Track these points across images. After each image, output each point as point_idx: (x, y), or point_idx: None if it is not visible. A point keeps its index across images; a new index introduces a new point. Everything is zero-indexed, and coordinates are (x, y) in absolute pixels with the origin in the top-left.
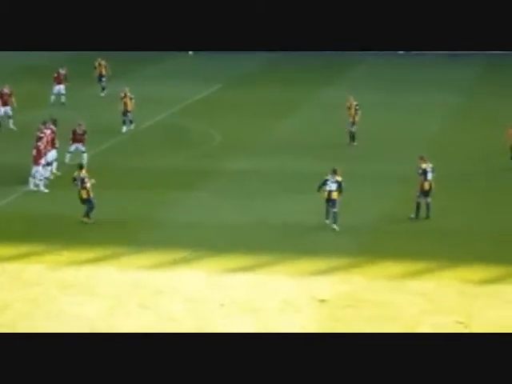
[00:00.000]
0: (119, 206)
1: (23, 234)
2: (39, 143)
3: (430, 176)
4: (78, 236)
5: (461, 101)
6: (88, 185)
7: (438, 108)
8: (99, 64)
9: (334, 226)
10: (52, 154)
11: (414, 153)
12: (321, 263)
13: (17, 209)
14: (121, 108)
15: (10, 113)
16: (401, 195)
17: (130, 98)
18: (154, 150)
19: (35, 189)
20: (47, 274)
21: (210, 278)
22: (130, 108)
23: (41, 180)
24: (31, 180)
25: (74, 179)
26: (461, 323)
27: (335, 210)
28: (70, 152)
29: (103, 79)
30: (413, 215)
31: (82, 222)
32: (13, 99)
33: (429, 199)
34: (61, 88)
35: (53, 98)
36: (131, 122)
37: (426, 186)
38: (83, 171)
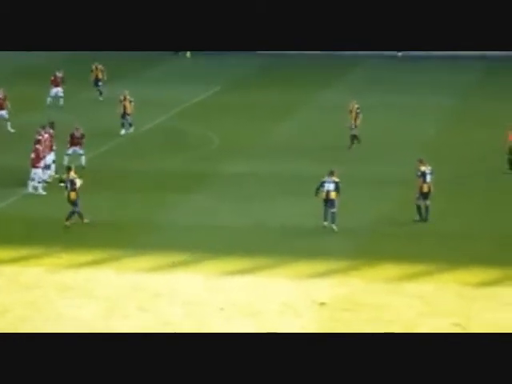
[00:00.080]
0: (118, 209)
1: (22, 236)
2: (38, 146)
3: (428, 178)
4: (76, 239)
5: (457, 103)
6: (77, 185)
7: (434, 111)
8: (96, 68)
9: (333, 226)
10: (50, 157)
11: (412, 155)
12: (319, 266)
13: (16, 211)
14: (120, 111)
15: (7, 116)
16: (399, 198)
17: (130, 101)
18: (152, 152)
19: (34, 192)
20: (46, 277)
21: (208, 280)
22: (129, 111)
23: (39, 183)
24: (30, 183)
25: (61, 181)
26: (458, 325)
27: (334, 210)
28: (68, 155)
29: (100, 83)
30: (416, 218)
31: (64, 225)
32: (7, 103)
33: (428, 202)
34: (58, 91)
35: (49, 100)
36: (130, 124)
37: (425, 188)
38: (72, 173)
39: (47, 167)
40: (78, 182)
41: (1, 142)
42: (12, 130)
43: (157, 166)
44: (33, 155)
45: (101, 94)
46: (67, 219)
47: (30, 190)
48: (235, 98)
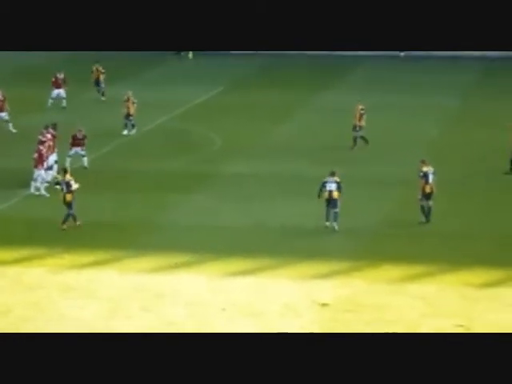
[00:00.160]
0: (120, 210)
1: (24, 237)
2: (41, 147)
3: (431, 179)
4: (78, 239)
5: (458, 104)
6: (73, 188)
7: (435, 111)
8: (96, 69)
9: (335, 226)
10: (52, 158)
11: (413, 155)
12: (321, 266)
13: (18, 213)
14: (124, 111)
15: (7, 118)
16: (400, 198)
17: (133, 102)
18: (154, 153)
19: (36, 193)
20: (48, 278)
21: (210, 281)
22: (132, 112)
23: (42, 184)
24: (33, 184)
25: (57, 183)
26: (461, 326)
27: (336, 210)
28: (69, 156)
29: (102, 85)
30: (422, 219)
31: (59, 228)
32: (6, 105)
33: (430, 202)
34: (60, 92)
35: (50, 101)
36: (133, 126)
37: (428, 189)
38: (68, 175)
39: (49, 168)
40: (74, 185)
41: (2, 143)
42: (14, 131)
43: (158, 166)
44: (36, 156)
45: (103, 94)
46: (63, 222)
47: (33, 190)
48: (237, 98)
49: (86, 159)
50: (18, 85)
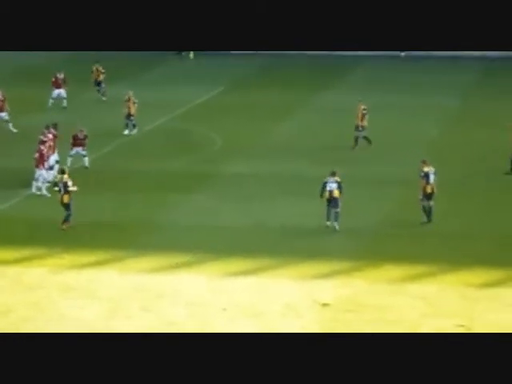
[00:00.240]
0: (120, 210)
1: (25, 237)
2: (42, 147)
3: (432, 179)
4: (79, 239)
5: (458, 104)
6: (71, 189)
7: (435, 111)
8: (96, 69)
9: (335, 225)
10: (53, 158)
11: (414, 155)
12: (322, 266)
13: (18, 213)
14: (125, 111)
15: (7, 118)
16: (401, 198)
17: (134, 102)
18: (155, 153)
19: (38, 192)
20: (49, 278)
21: (211, 281)
22: (133, 112)
23: (43, 184)
24: (34, 184)
25: (55, 184)
26: (462, 326)
27: (337, 209)
28: (70, 156)
29: (102, 85)
30: (424, 219)
31: (60, 228)
32: (6, 105)
33: (431, 202)
34: (61, 92)
35: (51, 101)
36: (134, 126)
37: (429, 189)
38: (65, 176)
39: (50, 168)
40: (72, 187)
41: (3, 143)
42: (14, 130)
43: (159, 166)
44: (37, 156)
45: (104, 94)
46: (63, 223)
47: (34, 190)
48: (237, 98)
49: (86, 159)
50: (19, 85)
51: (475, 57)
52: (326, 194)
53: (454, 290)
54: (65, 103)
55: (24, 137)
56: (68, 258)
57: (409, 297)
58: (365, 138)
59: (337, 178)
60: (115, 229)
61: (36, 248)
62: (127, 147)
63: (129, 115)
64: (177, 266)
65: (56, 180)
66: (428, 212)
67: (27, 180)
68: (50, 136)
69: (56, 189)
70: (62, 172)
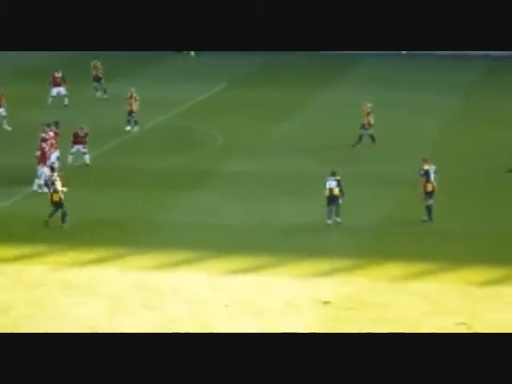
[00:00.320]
0: (121, 207)
1: (26, 235)
2: (44, 144)
3: (432, 177)
4: (80, 237)
5: (460, 102)
6: (58, 188)
7: (437, 109)
8: (94, 65)
9: (338, 220)
10: (54, 156)
11: (415, 154)
12: (323, 264)
13: (19, 210)
14: (127, 108)
15: (4, 114)
16: (402, 196)
17: (136, 99)
18: (155, 151)
19: (39, 190)
20: (50, 275)
21: (211, 279)
22: (134, 109)
23: (45, 181)
24: (36, 181)
25: (46, 184)
26: (463, 325)
27: (338, 205)
28: (71, 153)
29: (101, 81)
30: (425, 218)
31: (60, 227)
32: (4, 101)
33: (431, 201)
34: (60, 90)
35: (50, 100)
36: (136, 122)
37: (429, 187)
38: (55, 174)
39: (51, 165)
40: (59, 186)
41: (3, 141)
42: (9, 128)
43: (160, 164)
44: (38, 153)
45: (105, 91)
46: (62, 222)
47: (36, 188)
48: (238, 96)
49: (87, 157)
50: (19, 83)
51: (477, 55)
52: (326, 192)
53: (455, 288)
54: (66, 101)
55: (24, 134)
56: (69, 256)
57: (410, 295)
58: (370, 136)
59: (337, 177)
60: (116, 226)
61: (37, 245)
62: (128, 145)
63: (130, 112)
64: (177, 264)
65: (46, 179)
66: (428, 210)
67: (27, 178)
68: (51, 134)
69: (45, 190)
70: (51, 170)
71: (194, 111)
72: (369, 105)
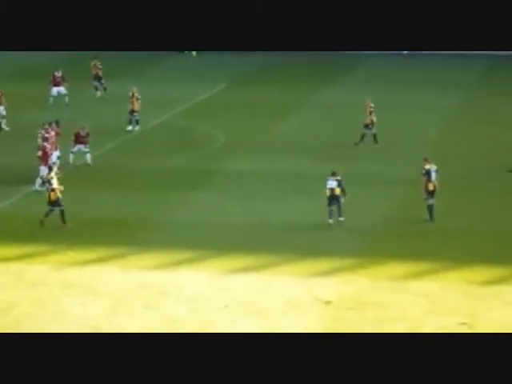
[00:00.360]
0: (122, 207)
1: (26, 234)
2: (45, 144)
3: (433, 177)
4: (81, 236)
5: (460, 102)
6: (54, 187)
7: (437, 109)
8: (94, 65)
9: (341, 219)
10: (55, 155)
11: (416, 154)
12: (324, 264)
13: (20, 210)
14: (128, 107)
15: (4, 113)
16: (403, 196)
17: (137, 98)
18: (157, 150)
19: (40, 189)
20: (51, 275)
21: (213, 278)
22: (136, 108)
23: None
24: (38, 180)
25: (44, 182)
26: (464, 324)
27: (340, 204)
28: (73, 153)
29: (102, 80)
30: (427, 217)
31: (60, 227)
32: (3, 100)
33: (431, 200)
34: (60, 90)
35: (51, 99)
36: (137, 122)
37: (431, 186)
38: (52, 173)
39: (52, 165)
40: (56, 184)
41: (4, 140)
42: (6, 128)
43: (161, 163)
44: (40, 153)
45: (105, 90)
46: (63, 221)
47: (37, 186)
48: (239, 95)
49: (89, 156)
50: (19, 83)
51: (478, 55)
52: (327, 192)
53: (457, 288)
54: (67, 100)
55: (24, 134)
56: (70, 255)
57: (411, 294)
58: (373, 135)
59: (337, 177)
60: (117, 226)
61: (38, 245)
62: (129, 144)
63: (132, 111)
64: (178, 263)
65: (43, 178)
66: (430, 210)
67: (28, 177)
68: (53, 133)
69: (43, 188)
70: (49, 169)
71: (195, 110)
72: (371, 104)
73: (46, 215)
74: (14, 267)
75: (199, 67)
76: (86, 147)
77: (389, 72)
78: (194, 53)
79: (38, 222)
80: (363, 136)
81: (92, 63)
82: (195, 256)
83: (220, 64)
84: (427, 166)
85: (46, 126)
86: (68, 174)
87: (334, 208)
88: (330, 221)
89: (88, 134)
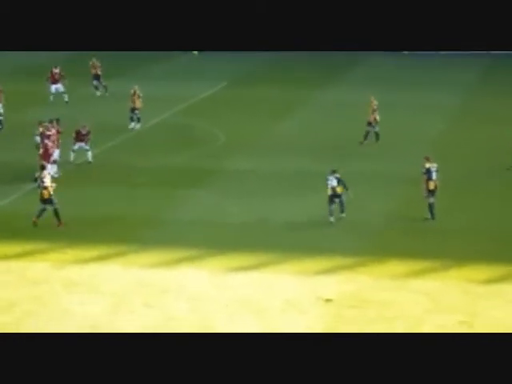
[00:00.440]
0: (123, 205)
1: (27, 232)
2: (47, 141)
3: (434, 175)
4: (82, 234)
5: (460, 101)
6: (47, 184)
7: (438, 108)
8: (93, 64)
9: (343, 215)
10: (57, 153)
11: (417, 153)
12: (325, 262)
13: (21, 207)
14: (130, 105)
15: (1, 110)
16: (404, 195)
17: (139, 96)
18: (158, 148)
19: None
20: (52, 273)
21: (214, 276)
22: (137, 106)
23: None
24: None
25: (35, 180)
26: (465, 323)
27: (342, 199)
28: (73, 151)
29: (101, 79)
30: (427, 216)
31: (57, 227)
32: (2, 97)
33: (431, 199)
34: (58, 87)
35: (52, 97)
36: (139, 120)
37: (431, 185)
38: (44, 172)
39: (54, 162)
40: (48, 182)
41: (4, 138)
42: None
43: (162, 161)
44: (42, 151)
45: (106, 89)
46: (58, 221)
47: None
48: (240, 94)
49: (90, 154)
50: (19, 81)
51: (478, 54)
52: (329, 191)
53: (457, 286)
54: (66, 98)
55: (23, 132)
56: (71, 253)
57: (412, 293)
58: (376, 133)
59: (337, 175)
60: (118, 224)
61: (39, 243)
62: (130, 142)
63: (134, 109)
64: (179, 261)
65: (36, 176)
66: (430, 208)
67: (27, 175)
68: (53, 131)
69: (35, 185)
70: (42, 168)
71: (197, 109)
72: (376, 102)
73: (39, 215)
74: (15, 265)
75: (200, 65)
76: (86, 145)
77: (389, 72)
78: (195, 51)
79: (32, 222)
80: (367, 134)
81: (90, 62)
82: (196, 254)
83: (221, 62)
84: (428, 165)
85: (46, 124)
86: (69, 171)
87: (335, 206)
88: (331, 219)
89: (89, 132)
